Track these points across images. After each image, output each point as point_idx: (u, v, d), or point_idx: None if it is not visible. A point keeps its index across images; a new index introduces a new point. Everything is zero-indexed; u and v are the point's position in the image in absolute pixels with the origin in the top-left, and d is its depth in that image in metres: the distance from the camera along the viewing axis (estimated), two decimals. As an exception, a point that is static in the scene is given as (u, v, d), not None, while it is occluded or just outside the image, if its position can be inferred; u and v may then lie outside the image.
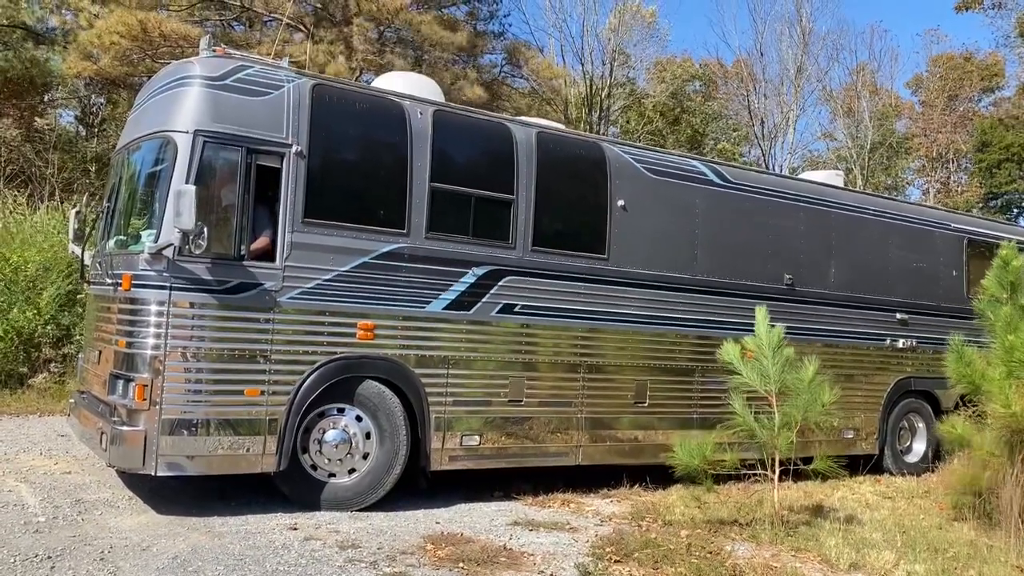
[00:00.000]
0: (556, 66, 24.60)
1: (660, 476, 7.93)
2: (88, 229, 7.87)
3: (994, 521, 7.06)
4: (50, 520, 5.83)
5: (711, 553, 5.88)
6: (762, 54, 31.11)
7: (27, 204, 14.78)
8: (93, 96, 23.31)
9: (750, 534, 6.56)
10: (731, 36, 55.39)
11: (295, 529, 5.97)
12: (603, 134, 26.43)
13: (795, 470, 7.25)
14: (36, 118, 23.00)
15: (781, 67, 30.65)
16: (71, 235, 7.92)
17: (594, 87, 28.17)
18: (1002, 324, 7.08)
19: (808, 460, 7.13)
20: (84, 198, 10.03)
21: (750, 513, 7.02)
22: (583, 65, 28.34)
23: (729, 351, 6.93)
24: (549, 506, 7.33)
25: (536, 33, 45.41)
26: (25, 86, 21.76)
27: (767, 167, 28.55)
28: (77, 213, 7.92)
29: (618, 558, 5.68)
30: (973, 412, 7.67)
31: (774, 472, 6.85)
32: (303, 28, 18.80)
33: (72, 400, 7.57)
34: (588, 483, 8.05)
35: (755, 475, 6.94)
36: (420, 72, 16.96)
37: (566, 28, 28.90)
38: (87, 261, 7.62)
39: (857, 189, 20.92)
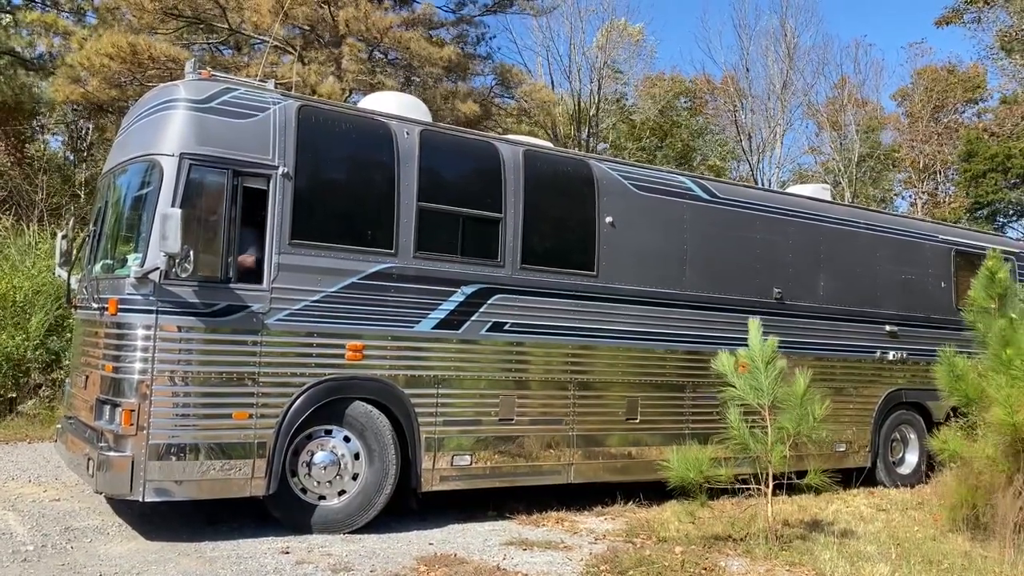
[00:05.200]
0: (548, 89, 24.81)
1: (654, 492, 7.91)
2: (75, 253, 7.84)
3: (989, 532, 7.04)
4: (39, 548, 5.77)
5: (705, 569, 5.86)
6: (748, 69, 31.36)
7: (13, 228, 14.70)
8: (81, 121, 23.31)
9: (744, 549, 6.52)
10: (717, 52, 55.71)
11: (287, 553, 5.91)
12: (592, 151, 26.54)
13: (788, 484, 7.23)
14: (25, 144, 22.97)
15: (767, 82, 30.91)
16: (58, 259, 7.89)
17: (582, 105, 28.32)
18: (996, 337, 7.05)
19: (801, 474, 7.11)
20: (71, 222, 9.99)
21: (744, 528, 6.99)
22: (571, 83, 28.56)
23: (723, 362, 6.90)
24: (543, 525, 7.28)
25: (524, 52, 45.75)
26: (14, 112, 21.76)
27: (756, 181, 28.67)
28: (64, 237, 7.89)
29: (612, 576, 5.65)
30: (965, 424, 7.66)
31: (767, 486, 6.83)
32: (291, 50, 18.85)
33: (59, 426, 7.51)
34: (581, 501, 8.01)
35: (748, 490, 6.91)
36: (411, 91, 17.07)
37: (553, 47, 29.11)
38: (74, 285, 7.59)
39: (844, 202, 21.02)
